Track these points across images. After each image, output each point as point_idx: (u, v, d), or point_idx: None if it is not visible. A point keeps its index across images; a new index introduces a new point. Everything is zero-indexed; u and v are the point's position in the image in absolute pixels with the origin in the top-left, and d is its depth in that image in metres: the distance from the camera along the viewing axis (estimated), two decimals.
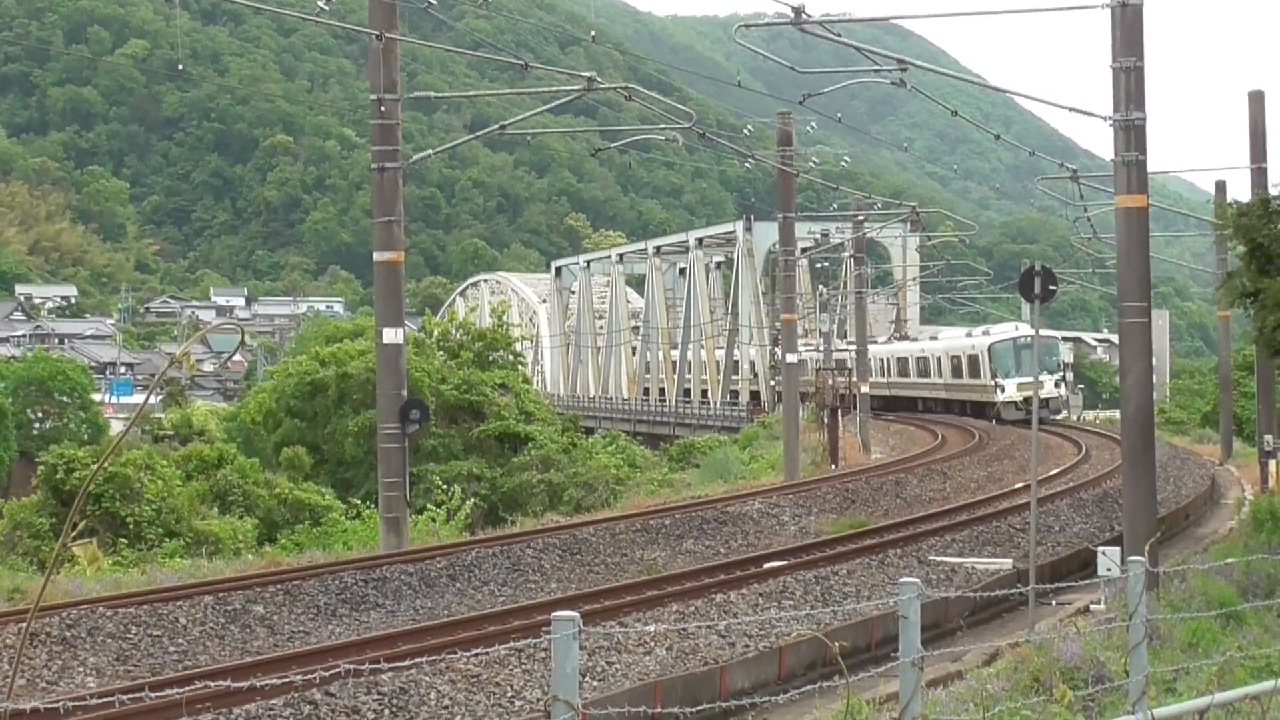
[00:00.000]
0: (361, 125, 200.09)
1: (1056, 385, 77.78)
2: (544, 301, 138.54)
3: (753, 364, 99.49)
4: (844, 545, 30.84)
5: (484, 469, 61.82)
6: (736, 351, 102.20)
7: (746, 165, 57.39)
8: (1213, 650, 17.57)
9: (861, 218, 71.73)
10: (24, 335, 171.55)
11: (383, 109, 31.99)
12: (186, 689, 14.94)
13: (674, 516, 35.64)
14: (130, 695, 7.79)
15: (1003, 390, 77.01)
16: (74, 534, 6.97)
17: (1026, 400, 67.78)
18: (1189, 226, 73.91)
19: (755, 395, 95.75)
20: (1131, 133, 24.22)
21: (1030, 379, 66.51)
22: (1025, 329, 73.32)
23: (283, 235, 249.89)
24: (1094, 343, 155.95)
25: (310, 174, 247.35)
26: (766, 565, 27.82)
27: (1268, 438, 42.97)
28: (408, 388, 34.08)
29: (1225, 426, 59.60)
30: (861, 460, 58.77)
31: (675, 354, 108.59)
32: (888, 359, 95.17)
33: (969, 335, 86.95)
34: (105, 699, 15.93)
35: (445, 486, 50.11)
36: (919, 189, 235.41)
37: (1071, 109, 27.40)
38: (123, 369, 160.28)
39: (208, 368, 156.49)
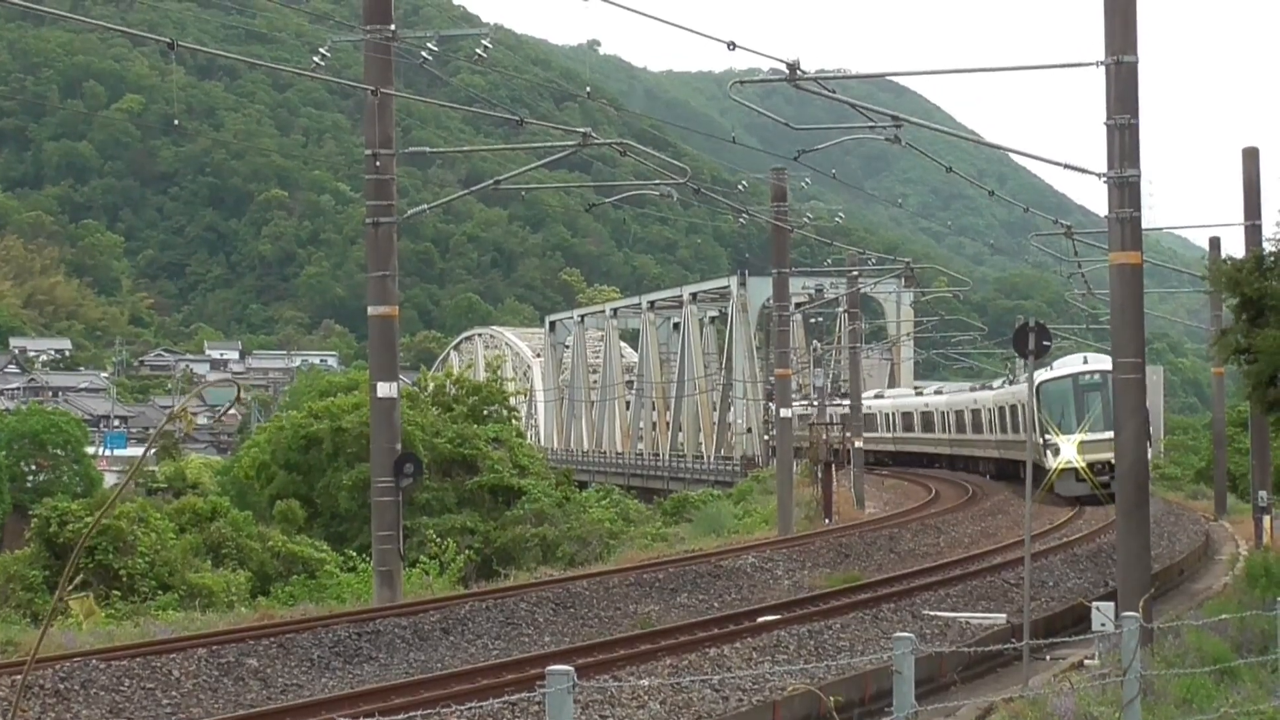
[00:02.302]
0: (356, 180, 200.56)
1: None
2: (538, 356, 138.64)
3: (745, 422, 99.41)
4: (838, 599, 30.81)
5: (478, 522, 61.76)
6: (730, 406, 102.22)
7: (741, 220, 57.51)
8: (1207, 706, 17.57)
9: (856, 273, 71.88)
10: (18, 388, 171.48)
11: (378, 164, 32.10)
12: None
13: (667, 570, 35.60)
14: None
15: (1056, 452, 57.29)
16: (70, 587, 7.00)
17: (1095, 466, 53.71)
18: (1183, 283, 73.72)
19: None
20: (1125, 189, 24.33)
21: (1101, 436, 52.32)
22: (1098, 361, 57.24)
23: (277, 289, 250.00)
24: None
25: (305, 228, 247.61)
26: (760, 619, 27.79)
27: (1262, 494, 43.02)
28: (401, 441, 34.09)
29: (1219, 482, 59.63)
30: (855, 515, 58.74)
31: (669, 409, 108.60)
32: (892, 413, 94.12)
33: (980, 388, 77.12)
34: None
35: (439, 540, 50.06)
36: (913, 245, 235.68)
37: (1066, 165, 27.51)
38: (116, 422, 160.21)
39: (202, 421, 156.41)
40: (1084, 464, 55.43)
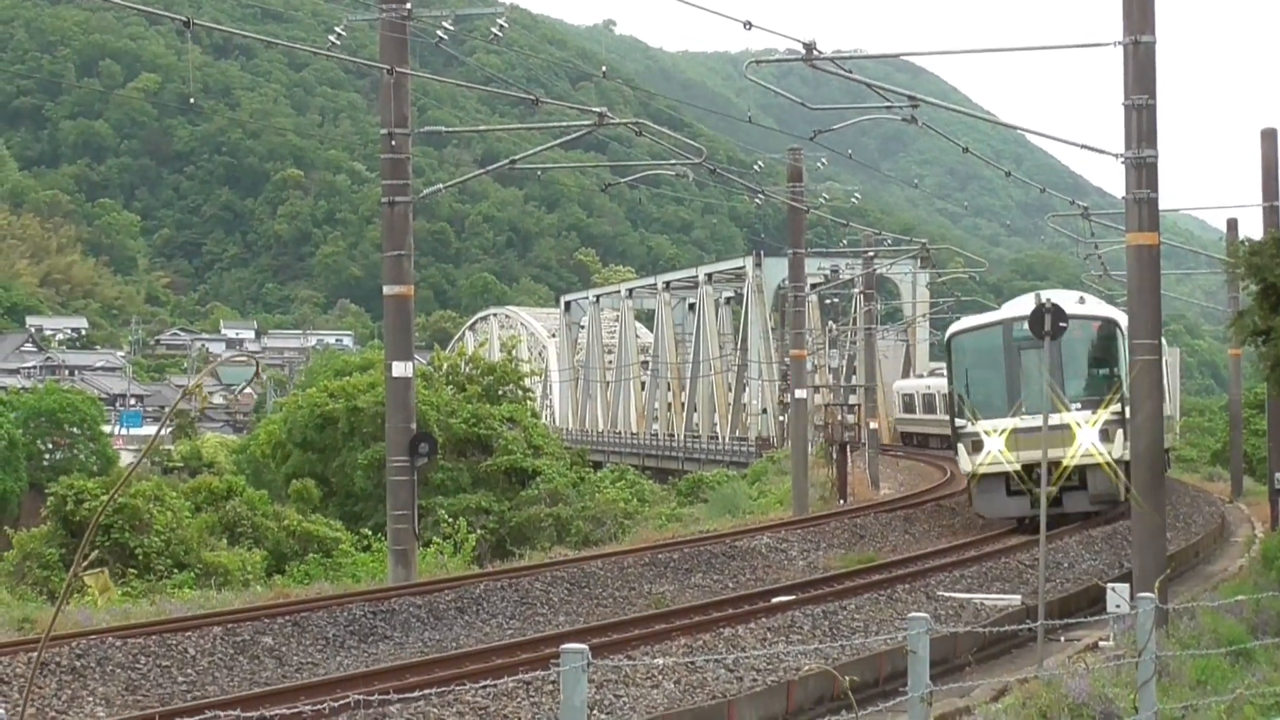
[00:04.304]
0: (372, 159, 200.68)
1: (1102, 434, 38.54)
2: (553, 336, 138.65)
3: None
4: (852, 580, 30.80)
5: (492, 502, 61.81)
6: (745, 387, 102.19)
7: (756, 201, 57.46)
8: (1222, 688, 17.55)
9: (871, 254, 71.76)
10: (35, 367, 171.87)
11: (393, 143, 32.08)
12: (195, 719, 14.94)
13: (682, 551, 35.60)
14: None
15: (976, 447, 39.21)
16: (85, 564, 7.00)
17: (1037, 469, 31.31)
18: (1200, 264, 73.48)
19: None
20: (1143, 170, 24.27)
21: (1039, 417, 29.73)
22: (1066, 298, 38.98)
23: (293, 269, 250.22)
24: None
25: (320, 208, 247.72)
26: (775, 600, 27.79)
27: (1278, 475, 42.92)
28: (417, 421, 34.11)
29: (1235, 464, 59.50)
30: (870, 496, 58.70)
31: (684, 389, 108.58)
32: (913, 394, 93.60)
33: None
34: None
35: (453, 520, 50.13)
36: (929, 225, 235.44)
37: (1083, 146, 27.47)
38: (133, 401, 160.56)
39: (218, 400, 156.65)
40: (1019, 466, 38.08)
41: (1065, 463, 37.69)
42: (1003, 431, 38.82)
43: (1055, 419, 34.85)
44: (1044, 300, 36.39)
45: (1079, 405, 38.68)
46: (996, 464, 38.89)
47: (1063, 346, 37.48)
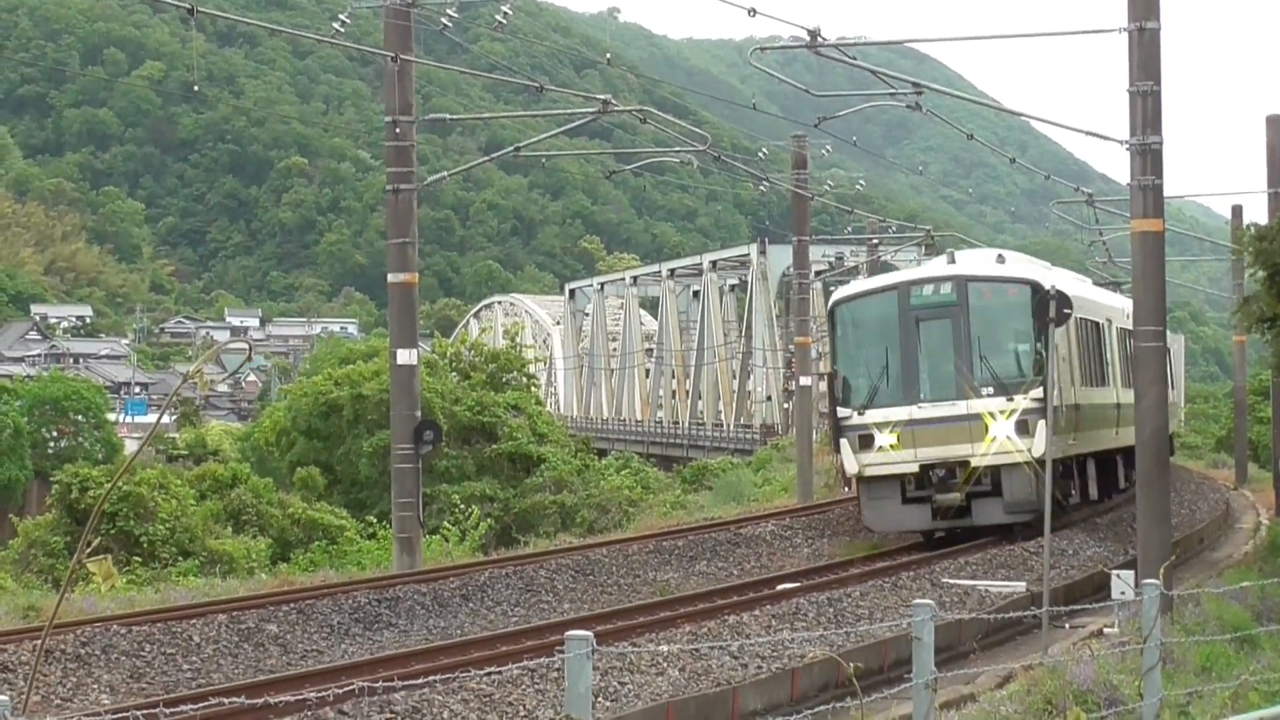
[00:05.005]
0: (376, 147, 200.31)
1: (1020, 426, 31.88)
2: (558, 323, 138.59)
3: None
4: (857, 567, 30.81)
5: (497, 490, 61.83)
6: (749, 374, 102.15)
7: (761, 188, 57.42)
8: (1227, 674, 17.56)
9: (876, 241, 71.78)
10: (39, 355, 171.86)
11: (398, 131, 32.07)
12: (200, 706, 14.96)
13: (687, 538, 35.61)
14: (144, 712, 7.81)
15: (866, 442, 32.64)
16: (88, 551, 6.99)
17: (938, 470, 32.31)
18: (1205, 251, 73.41)
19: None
20: (1148, 157, 24.24)
21: (946, 410, 32.06)
22: (970, 263, 35.04)
23: (297, 257, 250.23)
24: None
25: (325, 196, 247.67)
26: (779, 587, 27.80)
27: None
28: (421, 409, 34.13)
29: (1240, 451, 59.52)
30: None
31: (689, 376, 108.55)
32: None
33: None
34: (119, 715, 15.93)
35: (461, 507, 50.16)
36: (934, 212, 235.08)
37: (1088, 133, 27.47)
38: (137, 389, 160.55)
39: (222, 388, 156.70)
40: (916, 467, 32.34)
41: (975, 462, 31.92)
42: (896, 424, 32.32)
43: (963, 407, 32.08)
44: (953, 258, 34.87)
45: (992, 390, 32.06)
46: (889, 464, 32.43)
47: (971, 317, 32.24)
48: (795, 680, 19.28)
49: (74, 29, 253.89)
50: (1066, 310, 25.75)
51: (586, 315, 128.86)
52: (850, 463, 32.92)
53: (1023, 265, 36.14)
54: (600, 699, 18.05)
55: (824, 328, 43.53)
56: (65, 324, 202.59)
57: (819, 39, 27.27)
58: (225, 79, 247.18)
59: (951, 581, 28.40)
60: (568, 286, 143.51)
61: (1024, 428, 31.63)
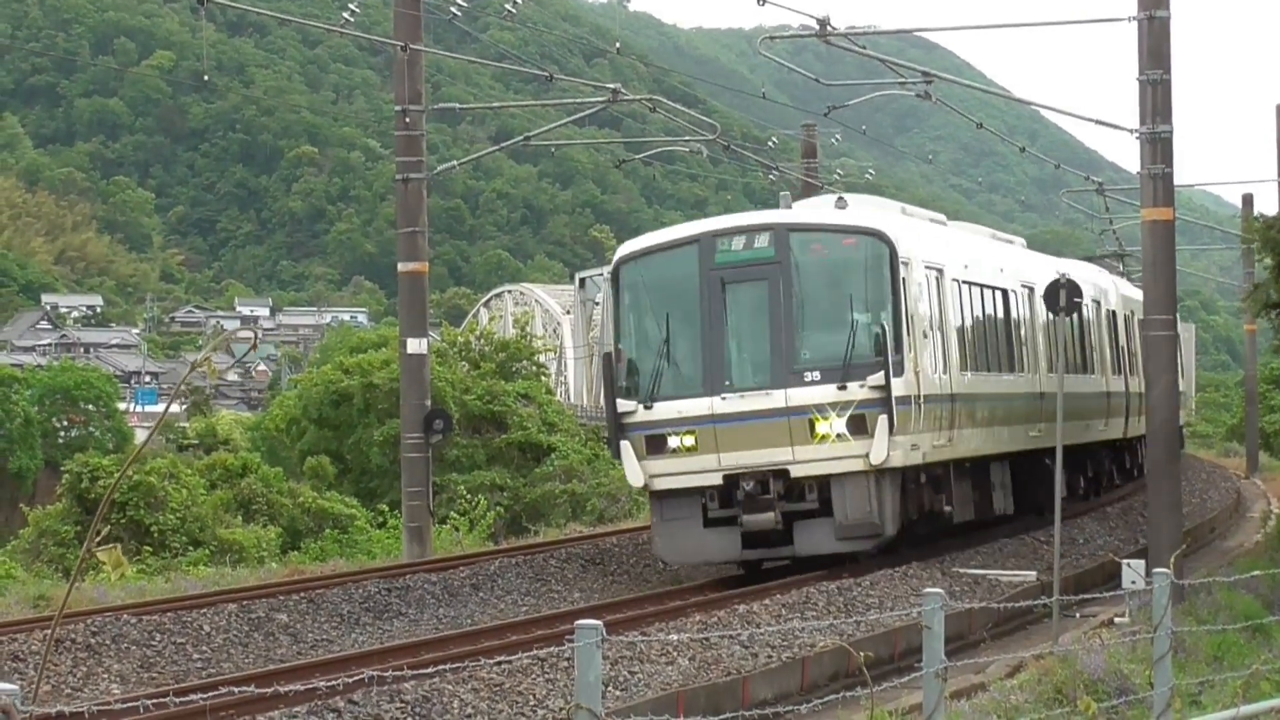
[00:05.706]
0: (386, 137, 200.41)
1: (855, 423, 25.09)
2: (568, 313, 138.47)
3: None
4: (867, 556, 30.77)
5: (507, 479, 61.84)
6: None
7: (771, 177, 57.35)
8: (1238, 663, 17.55)
9: None
10: (50, 344, 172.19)
11: (407, 120, 32.06)
12: (210, 695, 14.94)
13: None
14: (154, 701, 7.82)
15: (656, 445, 25.81)
16: (98, 540, 7.00)
17: (747, 481, 25.35)
18: (1215, 239, 73.40)
19: None
20: (1158, 145, 24.21)
21: (760, 403, 25.31)
22: (821, 204, 30.22)
23: (307, 246, 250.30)
24: None
25: (335, 185, 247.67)
26: (789, 576, 27.77)
27: None
28: (431, 398, 34.14)
29: (1251, 440, 59.46)
30: None
31: None
32: None
33: None
34: (130, 705, 15.96)
35: (469, 496, 50.17)
36: (944, 201, 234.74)
37: (1098, 122, 27.45)
38: (148, 378, 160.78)
39: (232, 377, 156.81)
40: (720, 479, 25.53)
41: (796, 472, 25.30)
42: (694, 421, 25.43)
43: (780, 399, 25.25)
44: (788, 204, 28.00)
45: (819, 377, 25.24)
46: (685, 474, 25.54)
47: (796, 279, 25.30)
48: (805, 670, 19.28)
49: (84, 18, 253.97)
50: (1077, 299, 23.77)
51: (597, 304, 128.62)
52: (634, 473, 26.00)
53: (868, 211, 28.45)
54: (610, 688, 18.05)
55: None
56: (76, 313, 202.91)
57: (828, 28, 27.23)
58: (235, 68, 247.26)
59: (962, 570, 28.38)
60: (578, 275, 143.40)
61: (858, 425, 24.98)
